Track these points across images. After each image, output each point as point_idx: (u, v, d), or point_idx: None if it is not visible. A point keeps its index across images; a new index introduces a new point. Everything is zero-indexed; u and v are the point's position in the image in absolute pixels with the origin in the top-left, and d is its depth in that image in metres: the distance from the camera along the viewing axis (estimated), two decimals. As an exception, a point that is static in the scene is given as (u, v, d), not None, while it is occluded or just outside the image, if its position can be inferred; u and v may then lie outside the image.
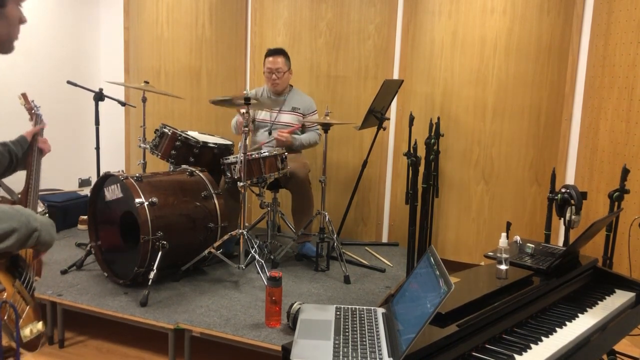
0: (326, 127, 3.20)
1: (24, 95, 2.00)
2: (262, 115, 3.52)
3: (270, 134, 3.49)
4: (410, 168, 3.11)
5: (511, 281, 1.75)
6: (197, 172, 3.10)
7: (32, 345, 1.49)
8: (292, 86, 3.60)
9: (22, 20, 1.42)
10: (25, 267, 1.55)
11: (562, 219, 2.35)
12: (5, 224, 1.22)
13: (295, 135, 3.44)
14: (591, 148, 3.32)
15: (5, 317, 1.35)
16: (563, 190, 2.33)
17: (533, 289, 1.74)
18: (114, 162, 4.51)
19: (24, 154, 1.79)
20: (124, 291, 2.78)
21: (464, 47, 3.54)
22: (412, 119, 3.42)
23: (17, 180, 1.80)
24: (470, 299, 1.56)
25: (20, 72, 3.89)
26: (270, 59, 3.45)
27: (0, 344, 1.29)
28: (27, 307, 1.52)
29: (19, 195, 1.63)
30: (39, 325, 1.53)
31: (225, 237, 2.96)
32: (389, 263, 3.46)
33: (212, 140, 3.40)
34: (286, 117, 3.50)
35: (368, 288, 2.99)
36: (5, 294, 1.38)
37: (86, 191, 4.13)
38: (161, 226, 2.75)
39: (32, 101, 2.01)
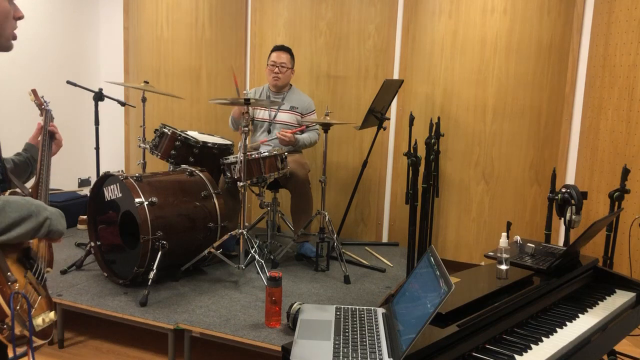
0: (326, 127, 3.20)
1: (34, 92, 2.02)
2: (261, 114, 3.52)
3: (269, 132, 3.49)
4: (411, 168, 3.10)
5: (511, 281, 1.75)
6: (196, 172, 3.10)
7: (45, 333, 1.52)
8: (291, 85, 3.60)
9: (17, 15, 1.43)
10: (36, 259, 1.57)
11: (563, 219, 2.35)
12: (16, 213, 1.28)
13: (297, 135, 3.44)
14: (591, 148, 3.32)
15: (18, 307, 1.38)
16: (563, 190, 2.32)
17: (533, 289, 1.74)
18: (113, 162, 4.52)
19: (35, 159, 1.81)
20: (123, 291, 2.77)
21: (464, 47, 3.54)
22: (412, 119, 3.42)
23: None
24: (471, 299, 1.56)
25: (20, 71, 3.88)
26: (276, 53, 3.47)
27: (13, 333, 1.32)
28: (39, 298, 1.55)
29: (30, 190, 1.64)
30: (51, 315, 1.58)
31: (225, 237, 2.96)
32: (389, 263, 3.46)
33: (211, 140, 3.39)
34: (284, 116, 3.50)
35: (368, 288, 2.99)
36: (18, 285, 1.41)
37: (86, 191, 4.13)
38: (161, 226, 2.75)
39: (42, 97, 2.03)
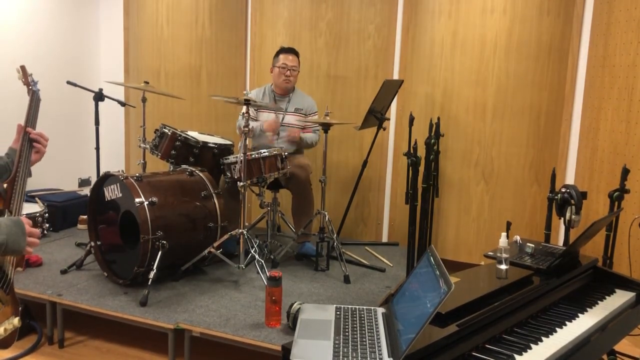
0: (326, 127, 3.20)
1: (23, 68, 1.84)
2: (266, 116, 3.51)
3: (278, 135, 3.49)
4: (410, 168, 3.11)
5: (511, 281, 1.75)
6: (196, 172, 3.10)
7: (5, 343, 1.47)
8: (295, 87, 3.60)
9: None
10: (4, 267, 1.52)
11: (562, 218, 2.35)
12: None
13: (302, 134, 3.46)
14: (591, 148, 3.32)
15: None
16: (563, 190, 2.32)
17: (533, 289, 1.74)
18: (113, 162, 4.51)
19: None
20: (123, 291, 2.78)
21: (464, 47, 3.54)
22: (412, 119, 3.42)
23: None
24: (470, 299, 1.56)
25: (20, 72, 3.89)
26: (289, 56, 3.43)
27: None
28: (2, 306, 1.51)
29: (5, 185, 1.58)
30: (15, 321, 1.51)
31: (225, 236, 2.96)
32: (389, 263, 3.46)
33: (212, 140, 3.40)
34: (290, 118, 3.50)
35: (368, 288, 2.99)
36: None
37: (86, 191, 4.13)
38: (161, 226, 2.75)
39: (31, 75, 1.85)
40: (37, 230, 1.47)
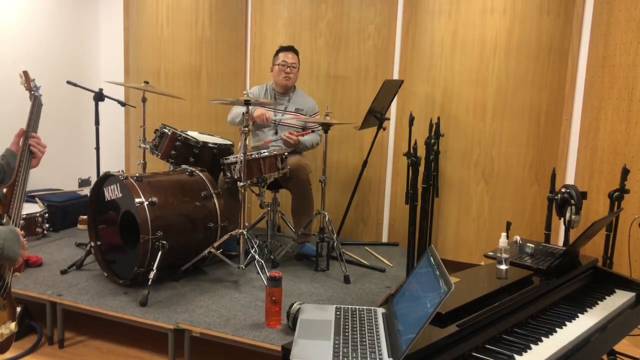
0: (326, 127, 3.20)
1: (25, 74, 1.87)
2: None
3: (276, 133, 3.49)
4: (410, 168, 3.11)
5: (511, 281, 1.75)
6: (196, 172, 3.10)
7: (2, 347, 1.47)
8: (295, 86, 3.60)
9: None
10: (2, 271, 1.52)
11: (562, 218, 2.35)
12: None
13: (300, 138, 3.45)
14: (591, 148, 3.32)
15: None
16: (563, 190, 2.33)
17: (533, 289, 1.74)
18: (113, 162, 4.52)
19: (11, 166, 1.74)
20: (123, 291, 2.78)
21: (464, 47, 3.54)
22: (412, 119, 3.42)
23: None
24: (470, 299, 1.56)
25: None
26: (288, 54, 3.45)
27: None
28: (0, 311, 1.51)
29: (4, 190, 1.59)
30: (12, 326, 1.51)
31: (225, 236, 2.96)
32: (389, 263, 3.46)
33: (212, 140, 3.39)
34: (290, 118, 3.50)
35: (368, 288, 2.99)
36: None
37: (86, 191, 4.13)
38: (161, 226, 2.75)
39: (33, 80, 1.88)
40: (26, 244, 1.49)
